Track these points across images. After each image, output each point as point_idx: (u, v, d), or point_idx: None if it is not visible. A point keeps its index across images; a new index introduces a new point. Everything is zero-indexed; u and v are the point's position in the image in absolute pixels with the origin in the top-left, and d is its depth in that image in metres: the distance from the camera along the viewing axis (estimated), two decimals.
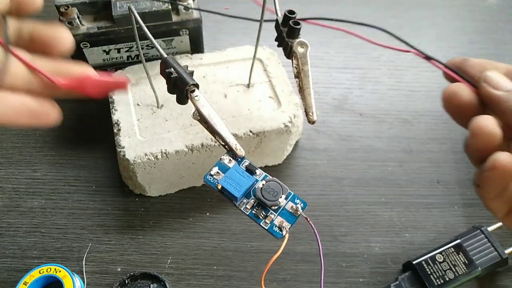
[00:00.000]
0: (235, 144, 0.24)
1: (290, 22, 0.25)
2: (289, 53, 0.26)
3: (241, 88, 0.38)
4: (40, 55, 0.21)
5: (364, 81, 0.48)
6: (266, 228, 0.23)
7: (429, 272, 0.33)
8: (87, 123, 0.43)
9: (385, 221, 0.38)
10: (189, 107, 0.25)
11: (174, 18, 0.38)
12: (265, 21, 0.30)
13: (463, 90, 0.23)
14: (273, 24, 0.28)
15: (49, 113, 0.21)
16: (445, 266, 0.33)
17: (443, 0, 0.59)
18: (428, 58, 0.28)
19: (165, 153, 0.34)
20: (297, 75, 0.25)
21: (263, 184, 0.23)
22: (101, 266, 0.34)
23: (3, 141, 0.41)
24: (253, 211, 0.23)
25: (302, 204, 0.23)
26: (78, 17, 0.36)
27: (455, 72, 0.25)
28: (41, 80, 0.21)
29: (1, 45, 0.19)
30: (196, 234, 0.37)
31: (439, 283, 0.32)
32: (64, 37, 0.22)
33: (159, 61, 0.25)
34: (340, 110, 0.46)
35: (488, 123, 0.21)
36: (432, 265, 0.33)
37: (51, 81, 0.20)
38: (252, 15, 0.31)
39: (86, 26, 0.37)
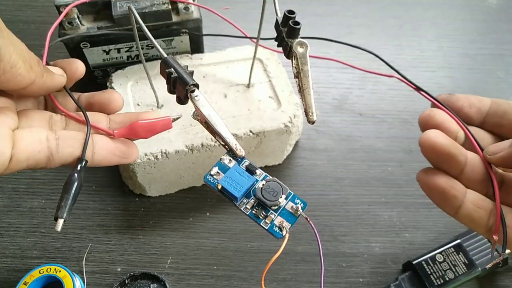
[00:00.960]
0: (235, 144, 0.24)
1: (290, 22, 0.25)
2: (288, 53, 0.26)
3: (241, 88, 0.38)
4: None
5: (364, 81, 0.48)
6: (266, 228, 0.23)
7: (429, 272, 0.33)
8: None
9: (385, 221, 0.38)
10: (189, 107, 0.25)
11: (174, 18, 0.38)
12: (262, 39, 0.30)
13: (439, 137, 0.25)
14: (272, 25, 0.28)
15: (134, 152, 0.25)
16: (445, 266, 0.33)
17: (443, 0, 0.59)
18: (418, 89, 0.31)
19: (165, 153, 0.34)
20: (297, 75, 0.25)
21: (263, 184, 0.23)
22: (101, 266, 0.34)
23: None
24: (253, 211, 0.23)
25: (302, 204, 0.23)
26: (78, 17, 0.36)
27: (443, 105, 0.28)
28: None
29: (66, 114, 0.24)
30: (196, 234, 0.37)
31: (439, 283, 0.32)
32: (116, 99, 0.26)
33: (159, 61, 0.25)
34: (340, 110, 0.46)
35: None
36: (432, 265, 0.33)
37: (108, 133, 0.24)
38: (252, 15, 0.31)
39: (86, 26, 0.37)
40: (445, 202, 0.25)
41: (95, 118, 0.25)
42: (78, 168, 0.23)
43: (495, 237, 0.24)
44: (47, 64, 0.25)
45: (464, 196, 0.24)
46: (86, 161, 0.24)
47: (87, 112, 0.25)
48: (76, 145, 0.23)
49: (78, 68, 0.26)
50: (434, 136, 0.24)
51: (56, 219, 0.22)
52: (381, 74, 0.33)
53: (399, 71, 0.31)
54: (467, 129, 0.26)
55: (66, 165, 0.23)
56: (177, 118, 0.26)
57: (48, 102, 0.26)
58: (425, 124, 0.27)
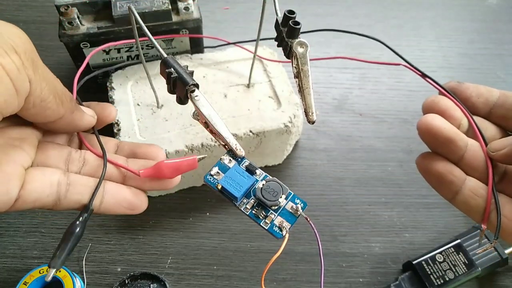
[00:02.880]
0: (235, 144, 0.24)
1: (290, 22, 0.25)
2: (288, 53, 0.26)
3: (241, 88, 0.38)
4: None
5: (364, 81, 0.48)
6: (266, 228, 0.23)
7: (429, 272, 0.33)
8: None
9: (385, 221, 0.38)
10: (189, 107, 0.25)
11: (174, 18, 0.38)
12: (262, 39, 0.30)
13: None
14: (272, 25, 0.28)
15: (142, 205, 0.25)
16: (445, 266, 0.33)
17: (443, 0, 0.59)
18: (424, 76, 0.31)
19: (165, 153, 0.34)
20: (297, 75, 0.25)
21: (263, 184, 0.23)
22: (101, 266, 0.34)
23: None
24: (253, 211, 0.23)
25: (302, 204, 0.23)
26: (78, 17, 0.36)
27: (449, 92, 0.27)
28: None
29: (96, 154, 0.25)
30: (196, 234, 0.37)
31: (439, 283, 0.32)
32: (158, 152, 0.27)
33: (159, 61, 0.25)
34: (340, 110, 0.46)
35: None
36: (432, 265, 0.33)
37: (135, 173, 0.25)
38: (252, 15, 0.31)
39: (86, 26, 0.37)
40: (442, 187, 0.25)
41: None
42: (82, 218, 0.23)
43: (483, 226, 0.24)
44: (80, 103, 0.26)
45: (463, 182, 0.24)
46: (92, 211, 0.24)
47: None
48: (85, 192, 0.23)
49: (111, 113, 0.27)
50: (431, 119, 0.24)
51: (49, 266, 0.22)
52: (387, 63, 0.32)
53: (405, 59, 0.30)
54: (471, 117, 0.26)
55: (72, 210, 0.24)
56: (203, 158, 0.26)
57: (74, 138, 0.27)
58: (429, 110, 0.26)
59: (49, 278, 0.22)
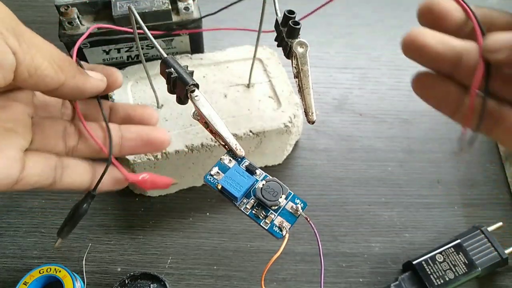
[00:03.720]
0: (235, 144, 0.24)
1: (290, 22, 0.25)
2: (288, 53, 0.26)
3: (241, 88, 0.38)
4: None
5: (364, 81, 0.48)
6: (266, 228, 0.23)
7: (429, 272, 0.33)
8: None
9: (385, 221, 0.38)
10: (189, 107, 0.25)
11: (174, 18, 0.38)
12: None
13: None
14: (272, 25, 0.28)
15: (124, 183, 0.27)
16: (445, 266, 0.33)
17: None
18: None
19: (165, 153, 0.34)
20: (297, 75, 0.25)
21: (263, 184, 0.23)
22: (101, 266, 0.34)
23: None
24: (253, 211, 0.23)
25: (302, 204, 0.23)
26: (78, 17, 0.36)
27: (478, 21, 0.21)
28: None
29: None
30: (196, 234, 0.37)
31: (439, 283, 0.32)
32: (153, 114, 0.28)
33: (159, 61, 0.25)
34: (340, 110, 0.46)
35: None
36: (432, 265, 0.33)
37: (125, 175, 0.27)
38: (252, 15, 0.31)
39: (86, 26, 0.37)
40: (441, 107, 0.23)
41: (97, 131, 0.26)
42: (89, 203, 0.26)
43: (463, 130, 0.21)
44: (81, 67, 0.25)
45: (462, 98, 0.22)
46: (94, 196, 0.26)
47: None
48: (80, 176, 0.25)
49: (118, 78, 0.26)
50: (415, 35, 0.22)
51: (58, 236, 0.26)
52: None
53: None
54: (471, 12, 0.21)
55: (67, 190, 0.25)
56: (175, 183, 0.29)
57: (65, 107, 0.27)
58: (425, 14, 0.23)
59: (56, 244, 0.27)
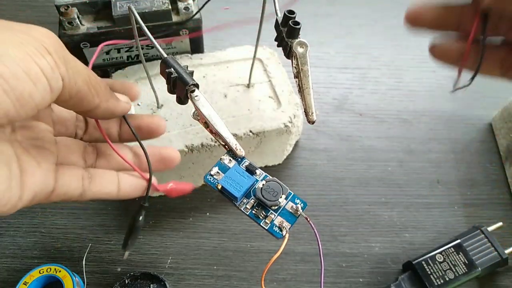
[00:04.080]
0: (235, 144, 0.24)
1: (290, 22, 0.25)
2: (288, 53, 0.26)
3: (241, 88, 0.38)
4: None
5: (364, 81, 0.48)
6: (266, 228, 0.23)
7: (429, 272, 0.33)
8: None
9: (385, 221, 0.38)
10: (189, 107, 0.25)
11: (174, 18, 0.38)
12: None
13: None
14: (272, 25, 0.28)
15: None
16: (445, 266, 0.33)
17: (443, 0, 0.59)
18: None
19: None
20: (297, 75, 0.25)
21: (263, 184, 0.23)
22: (101, 266, 0.34)
23: None
24: (253, 211, 0.23)
25: (302, 204, 0.23)
26: (78, 17, 0.36)
27: None
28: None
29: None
30: (196, 234, 0.37)
31: (439, 283, 0.32)
32: (163, 125, 0.29)
33: (159, 61, 0.25)
34: (340, 110, 0.46)
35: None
36: (432, 265, 0.33)
37: (155, 186, 0.28)
38: (252, 15, 0.31)
39: (86, 26, 0.37)
40: (461, 65, 0.27)
41: (122, 151, 0.28)
42: (143, 214, 0.29)
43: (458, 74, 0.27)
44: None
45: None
46: (147, 207, 0.29)
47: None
48: (107, 184, 0.26)
49: (136, 94, 0.29)
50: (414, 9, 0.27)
51: (123, 249, 0.29)
52: None
53: None
54: None
55: (94, 200, 0.27)
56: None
57: (88, 125, 0.28)
58: None
59: (125, 257, 0.29)
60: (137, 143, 0.28)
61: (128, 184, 0.27)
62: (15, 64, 0.18)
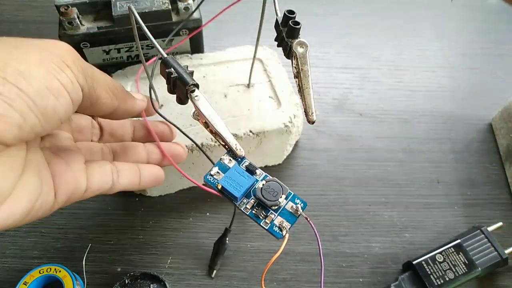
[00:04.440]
0: (235, 144, 0.24)
1: (290, 22, 0.25)
2: (288, 53, 0.26)
3: (241, 88, 0.38)
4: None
5: (364, 81, 0.48)
6: (266, 228, 0.23)
7: (429, 272, 0.33)
8: None
9: (385, 221, 0.38)
10: (189, 107, 0.25)
11: (174, 18, 0.38)
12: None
13: None
14: (272, 25, 0.28)
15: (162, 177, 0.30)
16: (445, 266, 0.33)
17: (443, 0, 0.59)
18: None
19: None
20: (297, 75, 0.25)
21: (263, 184, 0.23)
22: (101, 266, 0.34)
23: None
24: (253, 211, 0.23)
25: (302, 204, 0.23)
26: (78, 17, 0.36)
27: None
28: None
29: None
30: (196, 234, 0.37)
31: (439, 283, 0.32)
32: (172, 129, 0.32)
33: (159, 61, 0.25)
34: (340, 110, 0.46)
35: None
36: (432, 265, 0.33)
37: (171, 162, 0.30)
38: (252, 15, 0.31)
39: (86, 26, 0.37)
40: None
41: (138, 148, 0.30)
42: (227, 235, 0.34)
43: None
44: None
45: None
46: (230, 231, 0.34)
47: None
48: (132, 176, 0.27)
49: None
50: None
51: (211, 269, 0.34)
52: None
53: None
54: None
55: (123, 190, 0.27)
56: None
57: (102, 127, 0.30)
58: None
59: (214, 275, 0.34)
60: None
61: (147, 175, 0.28)
62: (37, 82, 0.18)
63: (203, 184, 0.25)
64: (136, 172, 0.28)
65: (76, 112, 0.22)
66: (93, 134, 0.29)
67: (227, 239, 0.34)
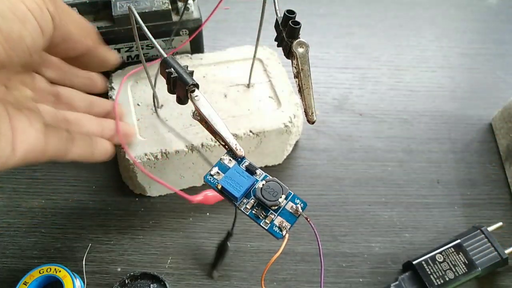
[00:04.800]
0: (235, 144, 0.24)
1: (290, 22, 0.25)
2: (288, 53, 0.26)
3: (241, 88, 0.38)
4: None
5: (364, 81, 0.48)
6: (266, 228, 0.23)
7: (429, 272, 0.33)
8: None
9: (385, 221, 0.38)
10: (189, 107, 0.25)
11: (174, 18, 0.38)
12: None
13: None
14: (272, 25, 0.28)
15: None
16: (445, 266, 0.33)
17: (443, 0, 0.59)
18: None
19: (165, 153, 0.34)
20: (297, 75, 0.25)
21: (263, 184, 0.23)
22: (101, 266, 0.34)
23: None
24: (253, 211, 0.23)
25: (302, 204, 0.23)
26: None
27: None
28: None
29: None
30: (196, 234, 0.37)
31: (439, 283, 0.32)
32: (122, 112, 0.32)
33: (159, 61, 0.25)
34: (340, 110, 0.46)
35: None
36: (432, 265, 0.33)
37: (188, 199, 0.30)
38: (252, 15, 0.31)
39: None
40: None
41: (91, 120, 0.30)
42: (229, 238, 0.33)
43: None
44: None
45: None
46: (232, 235, 0.33)
47: None
48: (86, 147, 0.27)
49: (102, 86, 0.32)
50: None
51: (213, 269, 0.34)
52: None
53: None
54: None
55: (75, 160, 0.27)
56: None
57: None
58: None
59: (216, 277, 0.34)
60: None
61: (100, 148, 0.29)
62: (0, 4, 0.17)
63: (203, 184, 0.25)
64: (90, 144, 0.28)
65: (47, 52, 0.21)
66: (50, 101, 0.28)
67: (227, 242, 0.34)
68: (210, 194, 0.32)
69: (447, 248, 0.34)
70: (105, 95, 0.38)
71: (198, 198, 0.31)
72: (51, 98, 0.28)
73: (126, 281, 0.33)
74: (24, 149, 0.21)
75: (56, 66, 0.28)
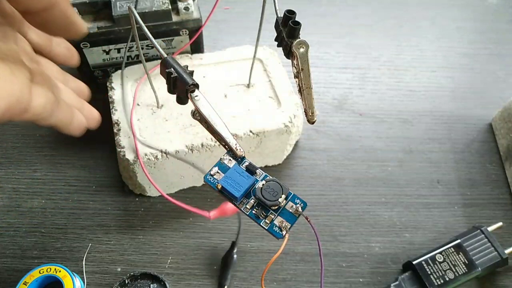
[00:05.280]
0: (235, 144, 0.24)
1: (290, 22, 0.25)
2: (288, 53, 0.26)
3: (241, 88, 0.38)
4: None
5: (364, 81, 0.48)
6: (266, 228, 0.23)
7: (429, 272, 0.33)
8: None
9: (385, 221, 0.38)
10: (189, 107, 0.25)
11: (174, 18, 0.38)
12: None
13: None
14: (272, 25, 0.28)
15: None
16: (445, 266, 0.33)
17: (443, 0, 0.59)
18: None
19: (165, 153, 0.34)
20: (297, 75, 0.25)
21: (263, 184, 0.23)
22: (101, 266, 0.34)
23: (3, 141, 0.41)
24: (253, 211, 0.23)
25: (302, 204, 0.23)
26: None
27: None
28: None
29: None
30: (196, 234, 0.37)
31: (439, 283, 0.32)
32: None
33: (159, 61, 0.25)
34: (340, 110, 0.46)
35: None
36: (432, 265, 0.33)
37: (205, 216, 0.31)
38: (252, 15, 0.31)
39: (86, 26, 0.37)
40: None
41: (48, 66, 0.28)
42: (235, 249, 0.34)
43: None
44: None
45: None
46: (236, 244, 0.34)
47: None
48: (68, 113, 0.26)
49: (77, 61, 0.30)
50: None
51: (221, 282, 0.34)
52: None
53: None
54: None
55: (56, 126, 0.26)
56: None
57: None
58: None
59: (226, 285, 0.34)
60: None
61: (77, 121, 0.27)
62: None
63: (203, 184, 0.25)
64: (71, 113, 0.27)
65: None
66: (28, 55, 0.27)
67: (233, 253, 0.34)
68: (226, 207, 0.32)
69: (447, 248, 0.34)
70: (104, 95, 0.38)
71: (214, 213, 0.31)
72: (34, 65, 0.27)
73: (126, 281, 0.33)
74: (7, 102, 0.20)
75: (39, 30, 0.26)
